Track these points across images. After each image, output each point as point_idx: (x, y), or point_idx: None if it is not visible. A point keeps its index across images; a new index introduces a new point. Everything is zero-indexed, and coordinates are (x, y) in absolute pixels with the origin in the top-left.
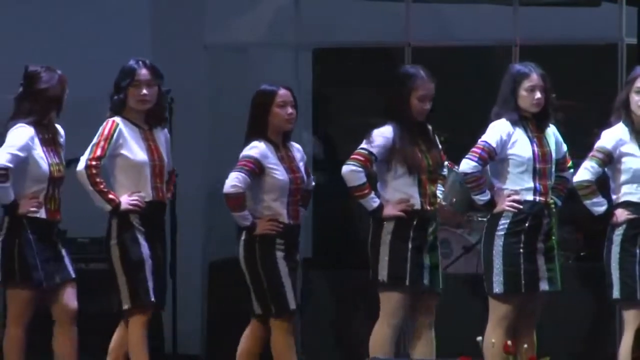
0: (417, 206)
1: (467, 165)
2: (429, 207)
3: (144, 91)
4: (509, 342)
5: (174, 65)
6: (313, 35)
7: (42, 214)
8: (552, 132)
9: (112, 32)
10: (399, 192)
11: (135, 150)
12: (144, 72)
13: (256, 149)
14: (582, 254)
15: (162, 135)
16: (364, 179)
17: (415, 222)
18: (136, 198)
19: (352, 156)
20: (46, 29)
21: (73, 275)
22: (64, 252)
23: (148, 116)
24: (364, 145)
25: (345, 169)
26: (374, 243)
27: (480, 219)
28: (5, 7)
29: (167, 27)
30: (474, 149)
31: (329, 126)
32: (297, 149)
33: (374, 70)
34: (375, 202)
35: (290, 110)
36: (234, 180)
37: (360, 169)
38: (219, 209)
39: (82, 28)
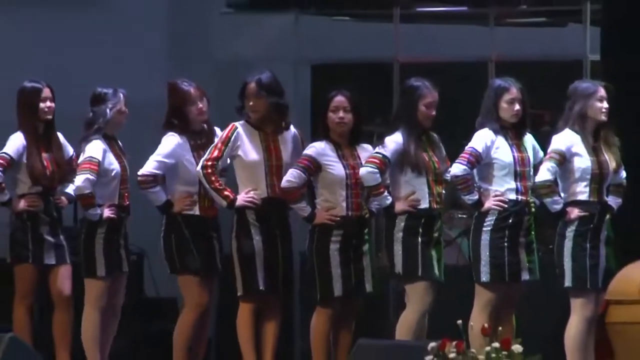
0: (425, 205)
1: (457, 168)
2: (435, 206)
3: (251, 102)
4: (486, 325)
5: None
6: (311, 52)
7: (196, 211)
8: (529, 139)
9: (134, 52)
10: (409, 191)
11: (249, 151)
12: (251, 86)
13: (313, 148)
14: (550, 246)
15: (287, 137)
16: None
17: (423, 220)
18: (251, 195)
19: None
20: (70, 46)
21: (219, 269)
22: (217, 247)
23: (265, 121)
24: (378, 150)
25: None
26: (387, 239)
27: (459, 216)
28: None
29: (183, 45)
30: (462, 155)
31: None
32: (365, 150)
33: (367, 84)
34: (389, 200)
35: (341, 114)
36: (288, 176)
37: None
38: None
39: (109, 50)
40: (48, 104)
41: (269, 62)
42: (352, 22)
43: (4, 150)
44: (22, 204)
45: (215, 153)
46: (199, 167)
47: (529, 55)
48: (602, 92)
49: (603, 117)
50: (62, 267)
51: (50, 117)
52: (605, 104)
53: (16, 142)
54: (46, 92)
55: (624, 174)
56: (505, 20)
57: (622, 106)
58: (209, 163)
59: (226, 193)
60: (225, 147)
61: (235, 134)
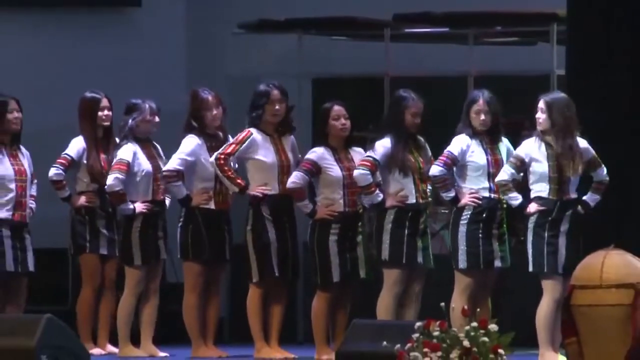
0: (412, 200)
1: (435, 169)
2: (421, 201)
3: (277, 107)
4: (465, 307)
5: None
6: (312, 67)
7: (212, 205)
8: (504, 144)
9: (157, 68)
10: (397, 188)
11: (265, 154)
12: (275, 93)
13: (314, 152)
14: (522, 238)
15: (290, 141)
16: (371, 180)
17: (410, 214)
18: (263, 188)
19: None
20: (100, 63)
21: (227, 257)
22: (227, 238)
23: (278, 126)
24: (369, 153)
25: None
26: (377, 230)
27: (442, 211)
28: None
29: (199, 62)
30: (440, 157)
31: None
32: (358, 152)
33: (361, 96)
34: (380, 197)
35: (343, 121)
36: (293, 178)
37: (367, 172)
38: None
39: (136, 66)
40: (105, 112)
41: (275, 77)
42: (348, 41)
43: (65, 152)
44: (81, 200)
45: (229, 150)
46: (212, 158)
47: (504, 70)
48: (540, 104)
49: (539, 128)
50: (112, 258)
51: (107, 123)
52: (539, 114)
53: (77, 145)
54: (104, 102)
55: (602, 172)
56: (483, 39)
57: (583, 115)
58: (222, 156)
59: (238, 181)
60: (239, 147)
61: (250, 138)
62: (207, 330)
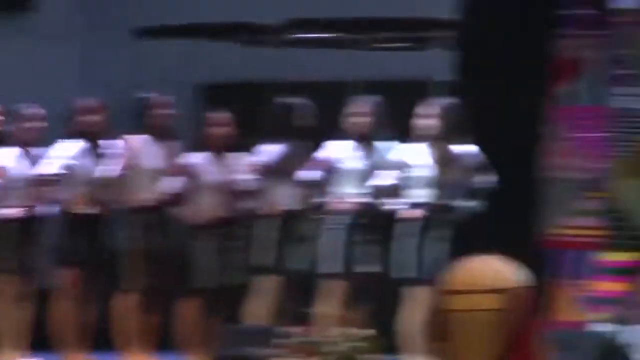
0: (290, 206)
1: (305, 175)
2: (298, 207)
3: (162, 112)
4: (335, 313)
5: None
6: (205, 74)
7: (87, 210)
8: (384, 148)
9: (47, 71)
10: (277, 194)
11: (149, 160)
12: (159, 98)
13: (194, 157)
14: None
15: (174, 147)
16: (257, 186)
17: (286, 220)
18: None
19: (247, 168)
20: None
21: (103, 264)
22: (102, 242)
23: (163, 132)
24: (256, 159)
25: (242, 177)
26: (253, 236)
27: (317, 217)
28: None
29: (94, 68)
30: (311, 162)
31: None
32: (237, 158)
33: (253, 103)
34: (259, 203)
35: (225, 129)
36: (171, 184)
37: (253, 178)
38: None
39: (24, 73)
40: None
41: (169, 84)
42: (241, 47)
43: None
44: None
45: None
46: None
47: (392, 75)
48: (420, 109)
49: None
50: None
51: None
52: (419, 119)
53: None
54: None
55: (484, 178)
56: (373, 45)
57: (464, 120)
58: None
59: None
60: (128, 156)
61: (135, 146)
62: (79, 337)
